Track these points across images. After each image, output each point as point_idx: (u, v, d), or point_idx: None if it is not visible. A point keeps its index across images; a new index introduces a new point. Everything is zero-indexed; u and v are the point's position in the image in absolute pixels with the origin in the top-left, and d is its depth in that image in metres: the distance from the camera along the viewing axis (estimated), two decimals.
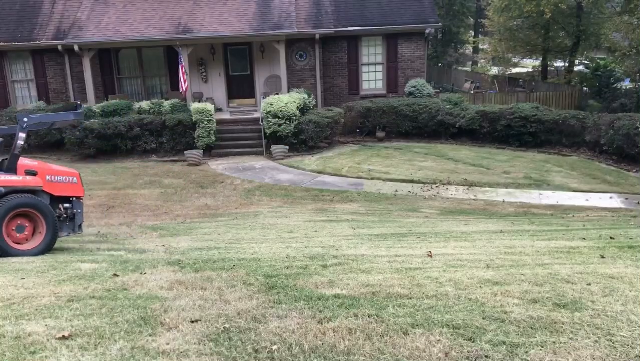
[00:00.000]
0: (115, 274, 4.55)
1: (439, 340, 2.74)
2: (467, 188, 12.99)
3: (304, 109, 16.90)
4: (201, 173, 14.72)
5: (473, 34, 41.19)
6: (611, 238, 6.14)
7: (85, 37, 17.35)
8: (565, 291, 3.50)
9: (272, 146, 16.29)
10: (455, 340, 2.73)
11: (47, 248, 5.95)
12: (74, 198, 6.44)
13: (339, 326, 2.95)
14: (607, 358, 2.53)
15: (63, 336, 2.89)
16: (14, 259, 5.53)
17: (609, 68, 23.31)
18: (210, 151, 16.56)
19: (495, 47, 28.76)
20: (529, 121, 16.55)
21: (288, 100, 16.25)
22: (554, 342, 2.68)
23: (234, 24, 17.73)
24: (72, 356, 2.68)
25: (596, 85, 23.31)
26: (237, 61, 19.49)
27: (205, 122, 16.13)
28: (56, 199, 6.24)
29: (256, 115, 17.43)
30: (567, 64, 28.87)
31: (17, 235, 5.79)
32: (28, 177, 5.91)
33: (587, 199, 11.99)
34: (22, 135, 5.80)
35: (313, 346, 2.72)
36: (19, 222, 5.78)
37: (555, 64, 32.15)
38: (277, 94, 17.56)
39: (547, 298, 3.34)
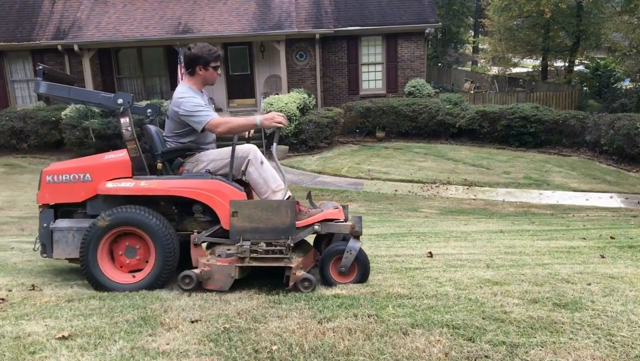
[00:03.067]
0: None
1: (439, 340, 2.74)
2: (467, 188, 12.99)
3: (304, 109, 16.90)
4: None
5: (473, 34, 41.20)
6: (611, 238, 6.14)
7: (85, 37, 17.35)
8: (565, 291, 3.51)
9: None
10: (455, 340, 2.73)
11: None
12: None
13: (339, 326, 2.95)
14: (607, 358, 2.53)
15: (63, 336, 2.89)
16: (14, 258, 5.53)
17: (609, 68, 23.33)
18: None
19: (495, 47, 28.77)
20: (529, 121, 16.55)
21: (288, 100, 16.24)
22: (554, 342, 2.68)
23: (234, 24, 17.72)
24: (72, 356, 2.68)
25: (596, 85, 23.31)
26: (237, 61, 19.48)
27: None
28: None
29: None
30: (567, 64, 28.87)
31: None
32: None
33: (587, 199, 12.00)
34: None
35: (313, 346, 2.72)
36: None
37: (555, 64, 32.15)
38: (277, 94, 17.56)
39: (547, 298, 3.34)
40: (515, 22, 27.36)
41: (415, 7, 19.47)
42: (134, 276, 3.89)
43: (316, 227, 3.88)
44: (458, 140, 17.65)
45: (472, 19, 40.21)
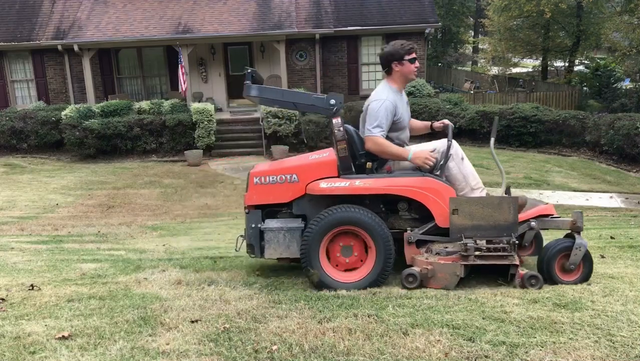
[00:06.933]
0: (115, 274, 4.55)
1: (439, 340, 2.74)
2: None
3: None
4: (201, 173, 14.72)
5: (473, 34, 41.19)
6: (611, 238, 6.14)
7: (85, 37, 17.35)
8: (565, 291, 3.51)
9: (272, 146, 16.29)
10: (455, 340, 2.73)
11: None
12: None
13: (339, 326, 2.95)
14: (607, 358, 2.53)
15: (63, 336, 2.90)
16: (14, 258, 5.53)
17: (609, 68, 23.29)
18: (210, 151, 16.55)
19: (495, 47, 28.75)
20: (529, 121, 16.54)
21: None
22: (554, 342, 2.68)
23: (234, 24, 17.72)
24: (72, 356, 2.68)
25: (596, 85, 23.29)
26: (237, 61, 19.48)
27: (205, 122, 16.13)
28: None
29: (256, 115, 17.43)
30: (567, 64, 28.87)
31: None
32: None
33: (587, 199, 11.99)
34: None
35: (313, 346, 2.72)
36: None
37: (555, 64, 32.15)
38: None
39: (547, 298, 3.35)
40: (515, 22, 27.35)
41: (415, 7, 19.47)
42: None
43: (532, 223, 3.80)
44: (458, 140, 17.35)
45: (472, 19, 40.19)
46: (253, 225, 4.07)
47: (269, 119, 16.04)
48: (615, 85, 23.01)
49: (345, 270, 3.91)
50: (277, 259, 4.27)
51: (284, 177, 4.02)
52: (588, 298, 3.32)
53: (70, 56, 18.58)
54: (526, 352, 2.58)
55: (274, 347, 2.72)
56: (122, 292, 3.84)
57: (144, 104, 16.91)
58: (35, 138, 16.79)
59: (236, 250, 4.34)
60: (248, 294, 3.69)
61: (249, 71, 4.09)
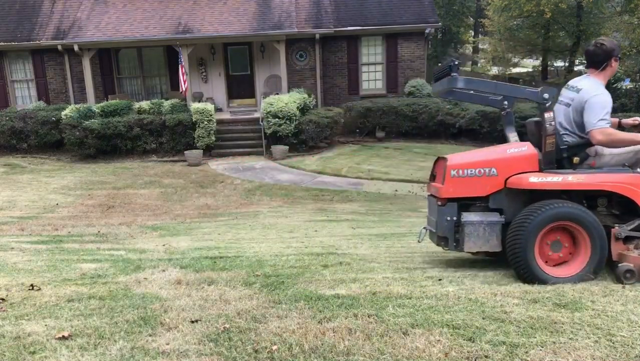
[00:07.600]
0: (115, 274, 4.55)
1: (439, 340, 2.74)
2: None
3: (304, 109, 16.89)
4: (201, 173, 14.72)
5: (473, 34, 41.18)
6: None
7: (85, 37, 17.35)
8: (565, 291, 3.51)
9: (272, 146, 16.29)
10: (455, 340, 2.73)
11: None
12: None
13: (339, 326, 2.95)
14: (607, 358, 2.53)
15: (63, 336, 2.90)
16: (14, 258, 5.53)
17: None
18: (210, 151, 16.55)
19: (495, 47, 28.75)
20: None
21: (288, 100, 16.24)
22: (554, 342, 2.68)
23: (234, 24, 17.72)
24: (72, 356, 2.68)
25: None
26: (237, 61, 19.48)
27: (205, 122, 16.13)
28: None
29: (256, 115, 17.43)
30: (567, 64, 28.88)
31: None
32: None
33: None
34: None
35: (313, 346, 2.72)
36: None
37: (555, 64, 32.15)
38: (277, 94, 17.55)
39: (547, 298, 3.35)
40: (515, 22, 27.35)
41: (415, 7, 19.46)
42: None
43: None
44: (458, 140, 17.64)
45: (472, 19, 40.17)
46: (448, 218, 4.08)
47: (269, 119, 16.04)
48: (615, 85, 23.00)
49: (554, 265, 3.91)
50: (473, 253, 4.25)
51: (482, 170, 4.03)
52: (588, 298, 3.32)
53: (70, 56, 18.58)
54: (526, 352, 2.58)
55: (274, 347, 2.72)
56: (122, 292, 3.84)
57: (144, 104, 16.91)
58: (35, 138, 16.78)
59: (419, 241, 4.39)
60: (248, 294, 3.68)
61: (456, 63, 4.15)
